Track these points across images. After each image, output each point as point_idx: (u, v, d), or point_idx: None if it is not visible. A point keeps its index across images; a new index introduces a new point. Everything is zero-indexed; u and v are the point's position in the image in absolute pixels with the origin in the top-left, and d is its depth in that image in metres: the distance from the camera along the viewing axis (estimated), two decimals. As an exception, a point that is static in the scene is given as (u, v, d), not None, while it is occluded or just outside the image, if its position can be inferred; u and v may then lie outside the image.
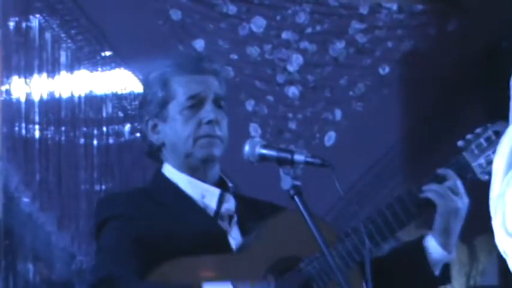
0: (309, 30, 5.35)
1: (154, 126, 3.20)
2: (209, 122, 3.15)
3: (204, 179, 3.19)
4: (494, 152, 2.62)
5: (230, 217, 3.20)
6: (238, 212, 3.22)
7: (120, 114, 4.79)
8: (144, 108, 3.28)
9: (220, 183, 3.22)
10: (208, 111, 3.17)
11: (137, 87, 4.78)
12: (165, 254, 3.05)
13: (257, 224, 3.27)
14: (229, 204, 3.20)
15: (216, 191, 3.18)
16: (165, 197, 3.22)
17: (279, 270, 3.16)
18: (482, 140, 3.37)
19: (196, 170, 3.19)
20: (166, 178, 3.25)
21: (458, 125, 5.38)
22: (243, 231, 3.22)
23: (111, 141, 4.78)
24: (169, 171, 3.25)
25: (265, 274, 3.15)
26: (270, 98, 5.17)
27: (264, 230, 3.20)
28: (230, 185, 3.24)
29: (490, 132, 3.29)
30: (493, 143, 3.45)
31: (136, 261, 3.04)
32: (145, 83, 3.38)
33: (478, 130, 3.35)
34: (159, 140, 3.20)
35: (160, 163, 3.30)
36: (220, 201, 3.19)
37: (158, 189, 3.27)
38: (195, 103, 3.18)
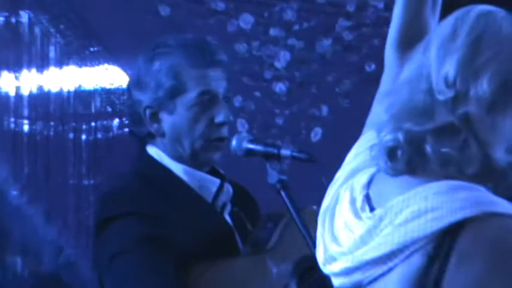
0: (296, 27, 5.38)
1: (155, 114, 3.09)
2: (223, 123, 3.10)
3: (200, 168, 3.12)
4: None
5: (223, 205, 3.13)
6: (232, 201, 3.17)
7: (109, 109, 4.83)
8: (142, 92, 3.14)
9: (214, 172, 3.17)
10: (220, 111, 3.09)
11: (126, 82, 4.75)
12: (180, 251, 2.96)
13: (262, 221, 3.24)
14: (227, 193, 3.13)
15: (216, 181, 3.11)
16: (165, 185, 3.12)
17: (301, 268, 3.08)
18: None
19: (199, 163, 3.12)
20: (158, 163, 3.16)
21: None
22: (235, 220, 3.16)
23: (99, 135, 4.84)
24: (159, 155, 3.16)
25: (290, 275, 3.08)
26: (258, 94, 5.23)
27: (283, 229, 3.13)
28: (222, 172, 3.19)
29: None
30: None
31: (170, 264, 2.97)
32: (146, 66, 3.17)
33: None
34: (160, 129, 3.10)
35: (144, 145, 3.21)
36: (217, 192, 3.13)
37: (158, 178, 3.15)
38: (206, 100, 3.08)
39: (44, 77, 4.76)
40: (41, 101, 4.77)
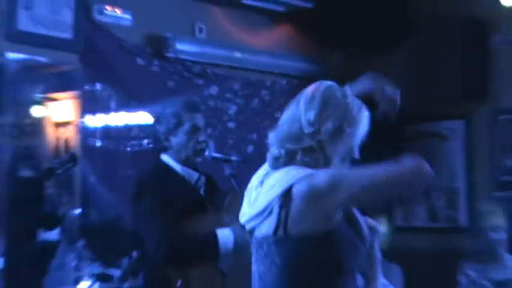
0: (240, 93, 5.38)
1: (167, 137, 3.13)
2: (203, 142, 3.16)
3: (189, 167, 3.16)
4: None
5: (200, 187, 3.17)
6: (205, 187, 3.20)
7: (141, 134, 4.72)
8: (160, 126, 3.17)
9: (195, 169, 3.19)
10: (201, 135, 3.16)
11: (150, 120, 4.19)
12: (174, 214, 2.96)
13: (220, 194, 3.21)
14: (201, 181, 3.18)
15: (196, 174, 3.17)
16: (171, 177, 3.13)
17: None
18: None
19: (188, 164, 3.16)
20: (167, 165, 3.15)
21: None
22: (206, 195, 3.18)
23: (136, 148, 4.75)
24: (168, 160, 3.15)
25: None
26: (219, 127, 5.20)
27: (231, 198, 3.13)
28: (199, 169, 3.20)
29: None
30: None
31: (173, 219, 2.95)
32: (161, 112, 3.20)
33: None
34: (169, 145, 3.14)
35: (158, 154, 3.18)
36: (198, 180, 3.18)
37: (165, 171, 3.16)
38: (194, 129, 3.13)
39: (108, 118, 4.66)
40: (106, 130, 4.67)
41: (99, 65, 4.57)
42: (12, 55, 4.12)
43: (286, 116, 2.09)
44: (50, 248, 4.35)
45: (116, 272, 4.21)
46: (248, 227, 2.10)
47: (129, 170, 4.62)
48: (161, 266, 2.96)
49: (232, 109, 5.34)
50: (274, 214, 1.99)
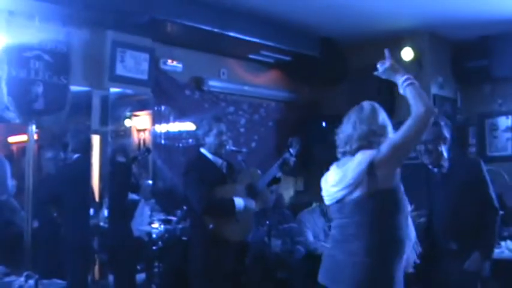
0: (247, 111, 5.25)
1: (203, 138, 3.04)
2: (225, 140, 3.05)
3: (216, 156, 3.05)
4: None
5: (223, 168, 3.08)
6: (226, 168, 3.10)
7: (188, 136, 4.56)
8: (199, 131, 3.10)
9: (220, 157, 3.08)
10: (224, 137, 3.06)
11: (193, 128, 4.58)
12: (208, 185, 2.90)
13: (235, 172, 3.14)
14: (224, 164, 3.08)
15: (220, 160, 3.06)
16: (206, 162, 3.04)
17: (247, 188, 3.03)
18: None
19: (216, 154, 3.06)
20: (204, 154, 3.06)
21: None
22: (227, 172, 3.08)
23: (185, 145, 4.57)
24: (204, 152, 3.06)
25: (246, 192, 3.01)
26: (234, 131, 5.04)
27: (242, 175, 3.10)
28: (223, 157, 3.11)
29: None
30: None
31: (207, 187, 2.91)
32: (200, 122, 3.11)
33: None
34: (205, 143, 3.04)
35: (198, 148, 3.10)
36: (221, 164, 3.07)
37: (202, 158, 3.05)
38: (219, 133, 3.03)
39: (168, 126, 4.54)
40: (167, 133, 4.50)
41: (163, 94, 4.53)
42: (112, 89, 4.12)
43: (349, 125, 1.94)
44: (134, 203, 4.30)
45: (174, 218, 4.17)
46: (337, 196, 1.93)
47: (181, 157, 4.56)
48: (200, 216, 2.91)
49: (242, 121, 5.28)
50: (364, 181, 1.85)
